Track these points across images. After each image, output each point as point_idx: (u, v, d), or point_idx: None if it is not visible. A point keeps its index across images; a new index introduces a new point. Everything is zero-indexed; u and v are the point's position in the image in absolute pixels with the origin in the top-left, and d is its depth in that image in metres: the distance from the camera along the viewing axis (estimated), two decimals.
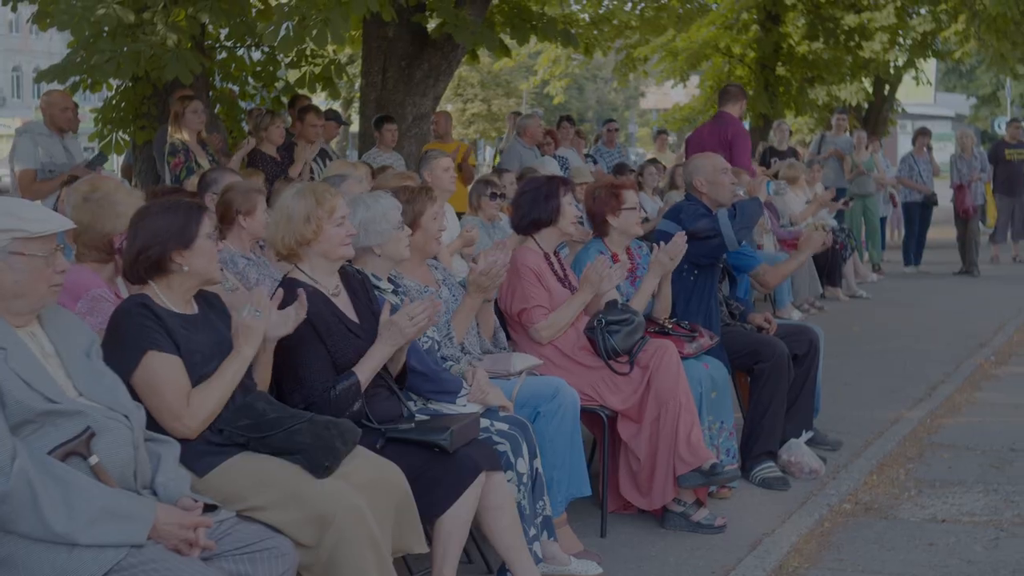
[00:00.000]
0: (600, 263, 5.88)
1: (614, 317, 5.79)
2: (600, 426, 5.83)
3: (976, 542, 5.77)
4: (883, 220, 18.69)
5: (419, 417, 4.70)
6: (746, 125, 15.50)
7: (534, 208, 5.97)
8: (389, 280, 5.17)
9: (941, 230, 19.69)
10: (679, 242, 6.20)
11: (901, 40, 21.62)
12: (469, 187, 9.82)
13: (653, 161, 14.69)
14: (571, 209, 5.99)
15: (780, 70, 20.78)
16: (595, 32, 18.65)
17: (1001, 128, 25.39)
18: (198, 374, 4.03)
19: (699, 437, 5.71)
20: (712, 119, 11.86)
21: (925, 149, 17.88)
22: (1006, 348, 11.25)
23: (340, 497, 3.90)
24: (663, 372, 5.70)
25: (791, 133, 19.20)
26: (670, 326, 6.32)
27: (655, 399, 5.71)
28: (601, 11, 19.64)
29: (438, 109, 13.46)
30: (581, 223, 6.46)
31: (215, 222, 4.32)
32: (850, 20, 20.76)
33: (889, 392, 9.08)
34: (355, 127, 18.20)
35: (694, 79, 24.25)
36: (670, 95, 38.18)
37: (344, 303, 4.72)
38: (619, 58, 22.81)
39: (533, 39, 14.52)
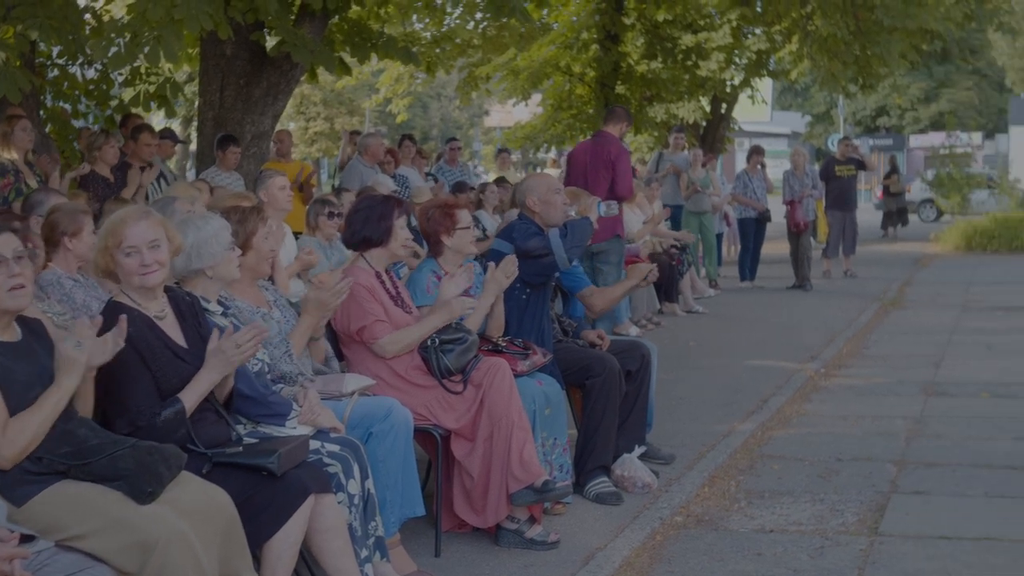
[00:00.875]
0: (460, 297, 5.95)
1: (448, 336, 5.82)
2: (434, 445, 5.85)
3: (802, 551, 5.92)
4: (720, 236, 19.09)
5: (247, 440, 4.66)
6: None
7: (366, 227, 5.96)
8: (219, 302, 5.12)
9: (775, 245, 20.23)
10: (512, 262, 6.25)
11: (737, 60, 22.08)
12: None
13: (500, 180, 14.77)
14: (403, 232, 5.99)
15: (619, 88, 21.06)
16: (437, 50, 18.69)
17: (835, 145, 26.11)
18: (17, 403, 3.95)
19: (532, 454, 5.77)
20: (592, 138, 12.07)
21: (759, 167, 18.31)
22: (836, 360, 11.58)
23: (164, 523, 3.85)
24: (496, 390, 5.74)
25: (630, 152, 19.48)
26: (503, 344, 6.39)
27: (488, 417, 5.75)
28: (443, 29, 19.67)
29: (278, 127, 13.36)
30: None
31: (20, 244, 4.20)
32: (687, 40, 21.15)
33: (723, 405, 9.27)
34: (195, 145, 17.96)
35: (537, 97, 24.46)
36: (513, 113, 38.43)
37: (171, 326, 4.65)
38: (462, 76, 22.89)
39: (375, 57, 14.49)
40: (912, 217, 37.28)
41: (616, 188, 11.18)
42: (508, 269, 6.22)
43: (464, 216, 6.43)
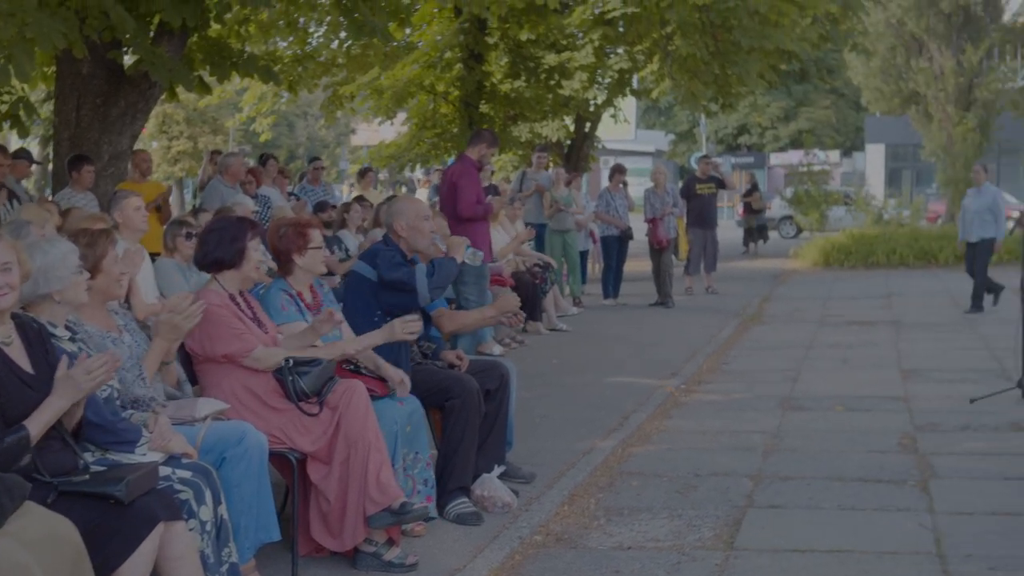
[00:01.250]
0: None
1: (303, 358, 5.78)
2: (290, 469, 5.80)
3: (659, 567, 5.97)
4: (585, 254, 19.25)
5: (95, 468, 4.56)
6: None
7: (218, 249, 5.88)
8: (67, 327, 5.01)
9: (638, 263, 20.44)
10: (416, 325, 6.21)
11: (600, 79, 22.30)
12: None
13: (360, 199, 14.71)
14: (256, 254, 5.93)
15: (484, 108, 21.16)
16: (300, 69, 18.61)
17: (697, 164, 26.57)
18: None
19: (389, 476, 5.75)
20: (455, 161, 12.18)
21: (621, 185, 18.52)
22: (696, 376, 11.74)
23: (4, 555, 3.75)
24: (352, 413, 5.71)
25: (493, 172, 19.57)
26: (363, 368, 6.37)
27: (344, 440, 5.72)
28: (307, 48, 19.58)
29: (138, 147, 13.16)
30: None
31: None
32: (551, 59, 21.31)
33: (584, 423, 9.32)
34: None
35: (405, 116, 24.43)
36: (380, 132, 38.35)
37: (18, 353, 4.54)
38: (326, 95, 22.80)
39: (237, 76, 14.35)
40: (772, 234, 37.98)
41: (457, 208, 11.32)
42: (409, 328, 6.17)
43: (316, 236, 6.39)
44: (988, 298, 16.75)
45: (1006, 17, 40.14)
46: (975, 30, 38.34)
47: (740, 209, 31.34)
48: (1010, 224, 10.08)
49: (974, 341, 13.95)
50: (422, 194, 23.69)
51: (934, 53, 38.48)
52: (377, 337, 6.16)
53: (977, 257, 16.64)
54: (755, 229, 31.13)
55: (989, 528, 6.43)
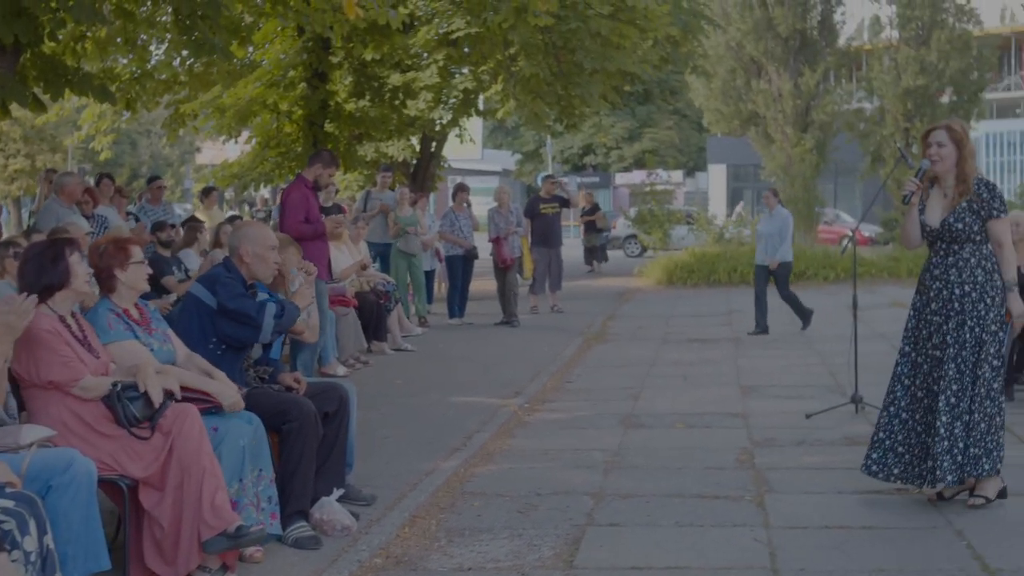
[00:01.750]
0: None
1: (130, 382, 5.65)
2: (121, 496, 5.66)
3: None
4: (430, 273, 19.22)
5: None
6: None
7: (43, 274, 5.73)
8: None
9: (483, 282, 20.49)
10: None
11: (445, 99, 22.30)
12: None
13: (193, 219, 14.51)
14: (81, 267, 5.81)
15: (328, 127, 21.00)
16: (138, 87, 18.27)
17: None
18: None
19: (224, 500, 5.65)
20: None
21: (465, 204, 18.56)
22: (539, 395, 11.78)
23: None
24: (185, 437, 5.60)
25: (337, 191, 19.47)
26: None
27: (178, 465, 5.60)
28: (148, 67, 19.22)
29: None
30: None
31: None
32: (395, 79, 21.25)
33: (427, 443, 9.27)
34: None
35: (248, 134, 24.11)
36: (226, 150, 37.86)
37: None
38: (168, 113, 22.41)
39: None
40: (617, 252, 38.44)
41: (280, 227, 11.34)
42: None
43: (137, 251, 6.28)
44: (807, 316, 17.22)
45: (841, 41, 41.24)
46: (811, 54, 39.29)
47: (582, 229, 31.54)
48: (844, 242, 10.31)
49: (811, 357, 14.28)
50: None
51: (772, 76, 39.33)
52: (205, 386, 6.16)
53: (778, 280, 17.05)
54: (595, 248, 31.40)
55: (822, 542, 6.55)
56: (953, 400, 7.10)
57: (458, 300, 18.24)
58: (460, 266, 18.17)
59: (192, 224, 14.29)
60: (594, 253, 31.33)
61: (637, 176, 52.64)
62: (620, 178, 65.49)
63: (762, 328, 16.89)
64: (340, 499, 6.95)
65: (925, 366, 7.34)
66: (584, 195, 31.03)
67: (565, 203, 20.54)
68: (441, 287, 20.82)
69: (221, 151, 44.72)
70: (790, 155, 38.86)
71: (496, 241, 18.00)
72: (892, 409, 7.46)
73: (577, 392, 12.17)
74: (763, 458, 8.76)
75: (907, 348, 7.47)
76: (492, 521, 7.19)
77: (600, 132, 50.41)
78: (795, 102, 38.87)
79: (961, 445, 7.07)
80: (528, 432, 10.04)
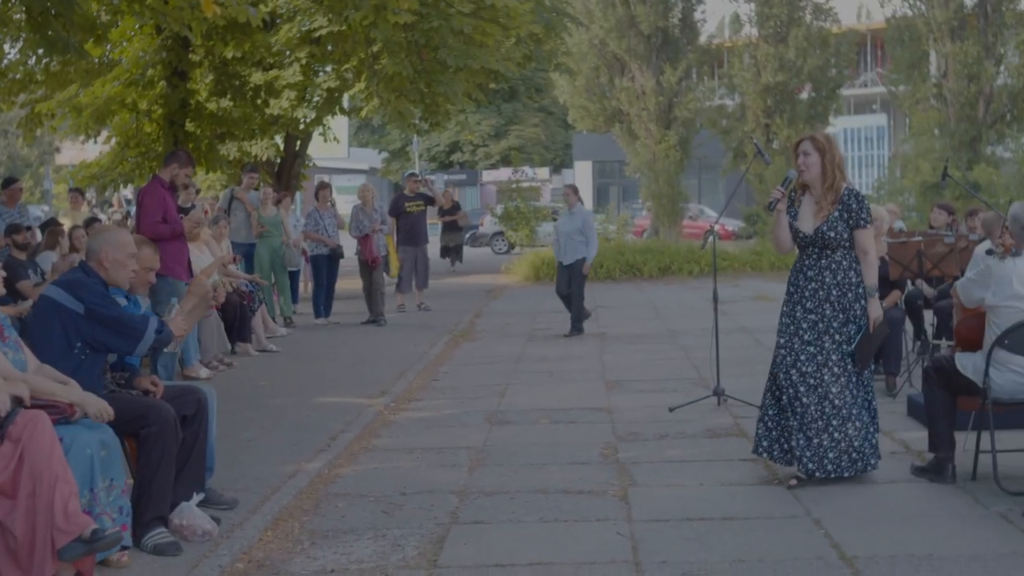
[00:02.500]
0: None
1: None
2: None
3: None
4: (295, 273, 19.05)
5: None
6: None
7: None
8: None
9: (349, 281, 20.39)
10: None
11: (308, 98, 22.09)
12: None
13: (52, 222, 14.21)
14: None
15: (189, 126, 20.66)
16: None
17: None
18: None
19: (77, 507, 5.52)
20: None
21: (329, 203, 18.44)
22: (405, 394, 11.75)
23: None
24: (36, 444, 5.46)
25: (199, 191, 19.19)
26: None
27: (29, 473, 5.46)
28: (2, 65, 18.74)
29: None
30: None
31: None
32: (257, 78, 20.99)
33: (291, 445, 9.18)
34: None
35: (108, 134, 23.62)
36: (86, 150, 37.09)
37: None
38: (24, 113, 21.85)
39: None
40: (485, 250, 38.54)
41: (137, 228, 11.23)
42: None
43: None
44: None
45: (702, 39, 41.85)
46: (673, 51, 39.81)
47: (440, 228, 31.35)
48: (707, 237, 10.47)
49: (674, 351, 14.46)
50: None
51: (636, 73, 39.76)
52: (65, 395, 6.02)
53: (572, 279, 16.62)
54: (452, 248, 31.11)
55: (684, 534, 6.63)
56: (823, 392, 7.60)
57: (324, 299, 18.11)
58: (325, 265, 18.06)
59: (53, 228, 13.98)
60: (449, 252, 31.11)
61: (504, 173, 52.91)
62: (487, 175, 65.73)
63: (578, 328, 16.66)
64: (200, 504, 6.85)
65: (802, 355, 7.69)
66: (445, 194, 30.93)
67: (430, 201, 20.54)
68: (307, 287, 20.66)
69: (81, 151, 43.84)
70: (654, 151, 39.34)
71: (362, 239, 17.89)
72: (768, 397, 7.89)
73: (443, 390, 12.16)
74: (627, 452, 8.84)
75: (782, 340, 7.81)
76: (356, 522, 7.15)
77: (466, 130, 50.39)
78: (658, 99, 39.36)
79: (826, 436, 7.54)
80: (394, 431, 10.00)
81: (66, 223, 16.20)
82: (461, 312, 19.66)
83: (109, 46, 20.10)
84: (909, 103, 37.56)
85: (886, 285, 11.00)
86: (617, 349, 14.91)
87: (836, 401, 7.56)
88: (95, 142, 23.28)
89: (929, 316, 11.97)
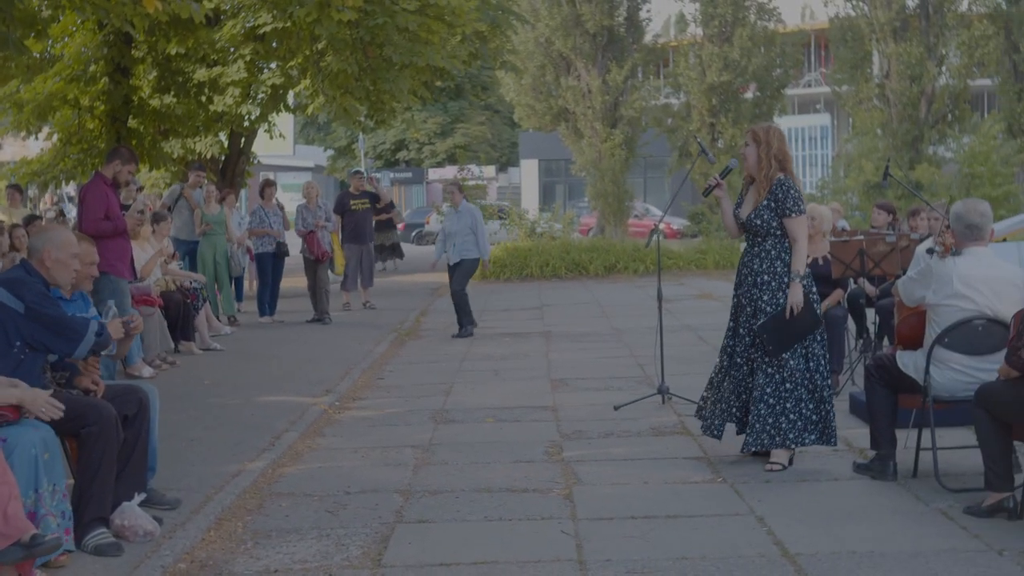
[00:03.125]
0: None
1: None
2: None
3: None
4: (242, 271, 18.94)
5: None
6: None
7: None
8: None
9: (294, 280, 20.30)
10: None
11: (253, 95, 21.95)
12: None
13: None
14: None
15: (132, 123, 20.49)
16: None
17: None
18: None
19: (17, 509, 5.46)
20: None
21: (274, 200, 18.36)
22: (351, 393, 11.72)
23: None
24: None
25: (141, 188, 19.03)
26: None
27: None
28: None
29: None
30: None
31: None
32: (201, 74, 20.82)
33: (234, 444, 9.12)
34: None
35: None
36: (28, 147, 36.67)
37: None
38: None
39: None
40: (431, 248, 38.39)
41: (79, 225, 11.13)
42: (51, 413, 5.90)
43: None
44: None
45: (647, 38, 42.01)
46: (619, 50, 39.96)
47: (400, 224, 31.05)
48: (652, 235, 10.52)
49: (619, 350, 14.49)
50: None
51: (581, 72, 39.86)
52: (12, 397, 5.95)
53: (458, 275, 16.37)
54: (388, 247, 30.64)
55: (628, 532, 6.65)
56: (760, 376, 8.03)
57: (269, 298, 18.00)
58: (270, 263, 17.97)
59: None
60: (384, 252, 30.72)
61: (450, 171, 52.84)
62: (433, 173, 65.59)
63: (467, 331, 16.38)
64: (142, 504, 6.78)
65: (747, 339, 8.14)
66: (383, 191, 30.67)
67: (375, 199, 20.49)
68: (251, 285, 20.54)
69: (23, 148, 43.35)
70: (600, 150, 39.46)
71: (307, 236, 17.80)
72: (715, 376, 8.38)
73: (388, 389, 12.13)
74: (571, 451, 8.85)
75: (731, 323, 8.30)
76: (300, 521, 7.11)
77: (412, 128, 50.35)
78: (604, 98, 39.50)
79: (762, 415, 7.96)
80: (338, 430, 9.96)
81: (3, 220, 16.00)
82: (406, 311, 19.62)
83: (50, 41, 19.85)
84: (852, 103, 37.91)
85: (828, 284, 11.12)
86: (562, 347, 14.93)
87: (758, 380, 8.01)
88: (36, 138, 23.03)
89: (871, 315, 12.07)
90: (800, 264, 7.93)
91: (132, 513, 6.61)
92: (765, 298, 7.97)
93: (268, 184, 18.63)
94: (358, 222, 19.89)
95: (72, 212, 23.15)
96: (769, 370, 7.96)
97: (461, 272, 16.38)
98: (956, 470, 7.64)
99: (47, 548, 5.61)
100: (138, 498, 6.75)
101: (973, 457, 7.35)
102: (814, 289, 8.12)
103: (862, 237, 11.41)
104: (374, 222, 21.60)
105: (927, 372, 7.33)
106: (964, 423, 7.82)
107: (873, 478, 7.67)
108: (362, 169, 32.69)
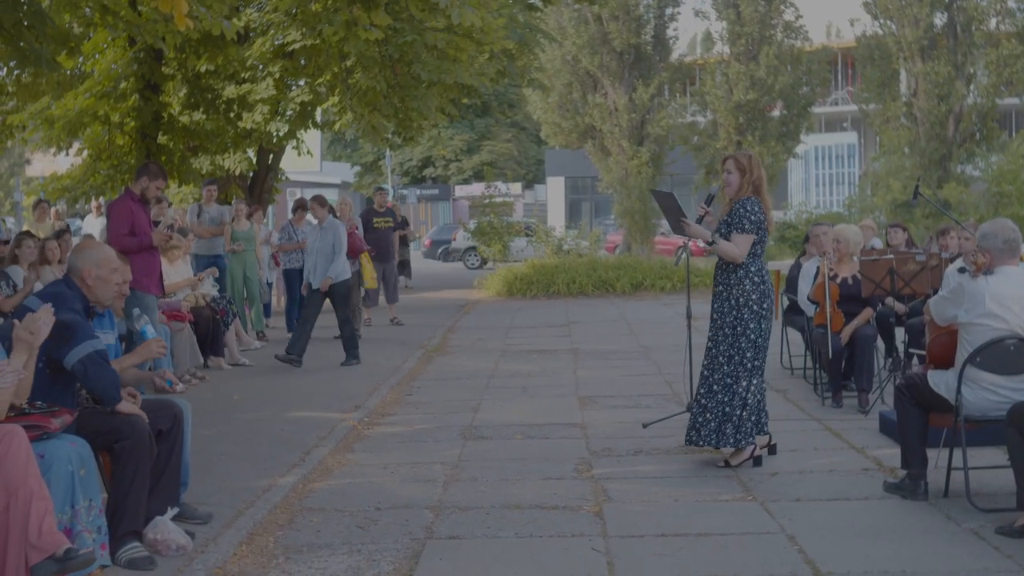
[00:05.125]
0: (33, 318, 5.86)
1: None
2: None
3: None
4: (270, 287, 19.01)
5: None
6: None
7: None
8: None
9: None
10: (44, 316, 5.93)
11: (282, 111, 22.07)
12: None
13: (27, 233, 14.11)
14: None
15: (162, 139, 20.61)
16: None
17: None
18: None
19: (52, 524, 5.49)
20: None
21: (304, 221, 18.46)
22: (379, 409, 11.74)
23: None
24: (11, 460, 5.43)
25: (171, 204, 19.12)
26: (27, 407, 6.08)
27: (4, 488, 5.43)
28: None
29: None
30: None
31: None
32: (230, 91, 20.95)
33: (265, 459, 9.16)
34: None
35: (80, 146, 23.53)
36: (57, 163, 36.90)
37: None
38: None
39: None
40: (457, 264, 38.52)
41: (108, 240, 11.23)
42: (33, 324, 5.89)
43: None
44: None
45: (674, 56, 42.03)
46: (646, 68, 40.01)
47: (427, 241, 31.08)
48: (679, 253, 10.52)
49: (647, 367, 14.48)
50: (94, 223, 22.72)
51: (608, 90, 39.92)
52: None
53: (335, 300, 14.93)
54: (399, 263, 30.44)
55: (659, 550, 6.64)
56: (721, 381, 8.68)
57: (296, 313, 18.03)
58: (298, 279, 18.01)
59: (20, 238, 13.89)
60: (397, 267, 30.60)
61: (476, 188, 52.92)
62: (460, 190, 65.72)
63: (297, 360, 14.47)
64: (175, 518, 6.83)
65: (713, 350, 8.80)
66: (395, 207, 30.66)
67: (401, 226, 20.59)
68: (279, 301, 20.61)
69: (52, 163, 43.59)
70: (626, 168, 39.48)
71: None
72: (702, 388, 8.89)
73: (417, 405, 12.15)
74: (601, 468, 8.85)
75: (710, 334, 8.86)
76: (331, 537, 7.13)
77: (439, 145, 50.50)
78: (630, 116, 39.53)
79: (717, 417, 8.66)
80: (367, 446, 9.99)
81: (38, 235, 16.09)
82: (434, 327, 19.66)
83: (82, 58, 20.01)
84: (879, 121, 37.86)
85: (858, 303, 11.10)
86: (590, 365, 14.93)
87: (715, 386, 8.70)
88: (67, 154, 23.18)
89: (900, 334, 12.03)
90: (711, 240, 8.56)
91: (165, 527, 6.65)
92: (730, 316, 8.60)
93: (301, 206, 18.71)
94: (380, 239, 19.95)
95: (83, 229, 23.24)
96: (723, 377, 8.66)
97: (340, 298, 15.02)
98: (988, 490, 7.61)
99: (81, 563, 5.63)
100: (171, 512, 6.79)
101: (1005, 477, 7.33)
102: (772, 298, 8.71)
103: (892, 256, 11.38)
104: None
105: (959, 392, 7.31)
106: (996, 443, 7.81)
107: (904, 497, 7.64)
108: (386, 187, 32.67)
